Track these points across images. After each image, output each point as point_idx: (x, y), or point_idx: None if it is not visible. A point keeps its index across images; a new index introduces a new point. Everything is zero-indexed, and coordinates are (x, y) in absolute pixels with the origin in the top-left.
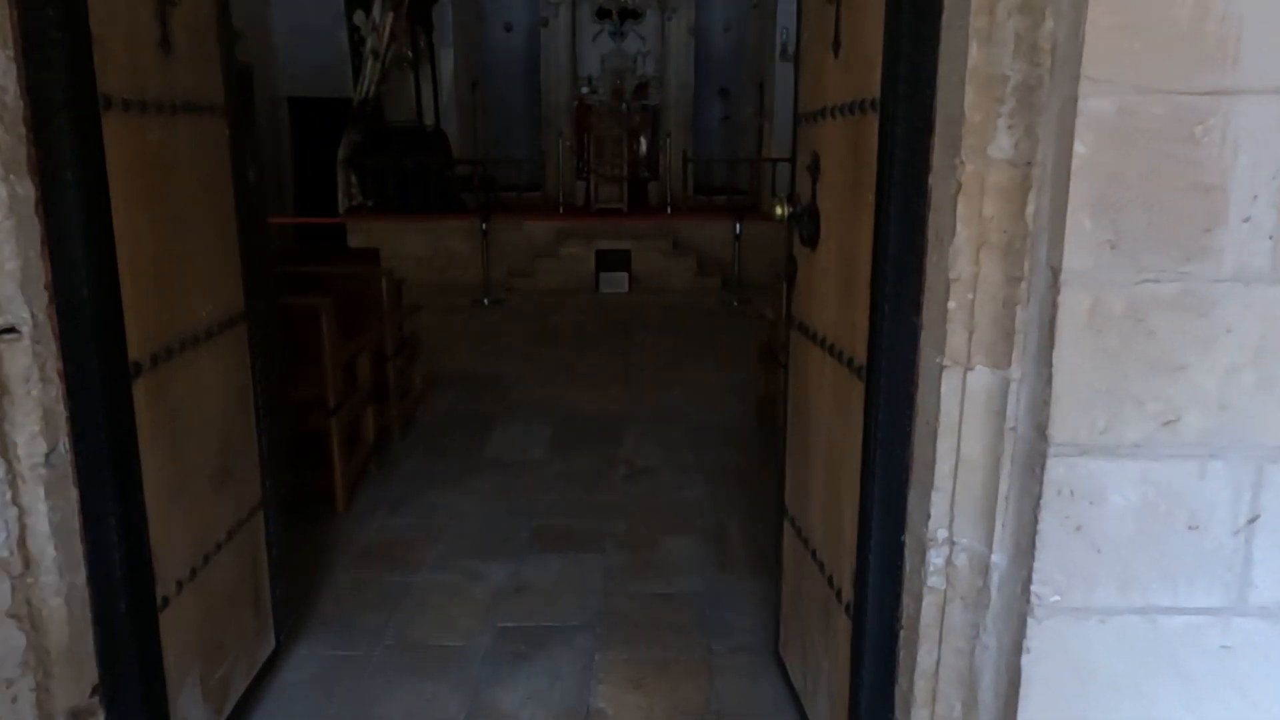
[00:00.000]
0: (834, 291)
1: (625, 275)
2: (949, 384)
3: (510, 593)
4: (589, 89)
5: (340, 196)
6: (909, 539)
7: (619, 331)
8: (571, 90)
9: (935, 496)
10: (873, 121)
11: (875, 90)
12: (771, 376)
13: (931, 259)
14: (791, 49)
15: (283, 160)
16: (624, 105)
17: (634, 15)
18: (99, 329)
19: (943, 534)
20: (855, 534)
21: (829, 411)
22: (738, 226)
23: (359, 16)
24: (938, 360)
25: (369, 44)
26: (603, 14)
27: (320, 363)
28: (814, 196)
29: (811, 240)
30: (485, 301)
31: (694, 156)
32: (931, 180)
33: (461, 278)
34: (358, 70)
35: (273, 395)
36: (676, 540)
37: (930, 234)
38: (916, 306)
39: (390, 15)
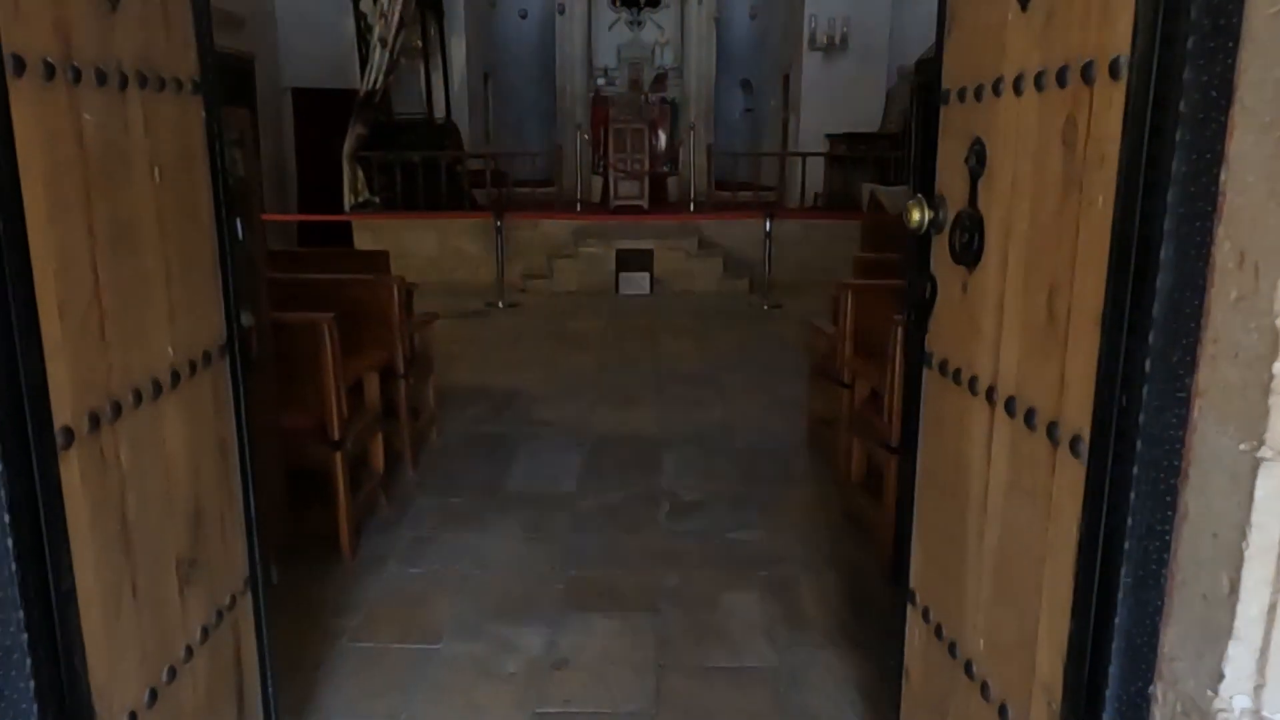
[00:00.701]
0: (1016, 328)
1: (647, 276)
2: (1268, 485)
3: (548, 669)
4: (605, 80)
5: (346, 193)
6: (1167, 696)
7: (645, 338)
8: (587, 82)
9: (1233, 649)
10: (1107, 93)
11: (1117, 47)
12: (829, 398)
13: (1222, 293)
14: (821, 38)
15: (285, 154)
16: (643, 97)
17: (652, 3)
18: (7, 384)
19: (1242, 703)
20: (1059, 669)
21: (1005, 490)
22: (768, 224)
23: (366, 3)
24: (1242, 446)
25: (376, 32)
26: (621, 2)
27: (321, 387)
28: (974, 198)
29: (970, 255)
30: (499, 305)
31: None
32: (1225, 176)
33: (473, 279)
34: (364, 60)
35: (265, 444)
36: (738, 597)
37: (1219, 255)
38: (1190, 362)
39: (399, 2)
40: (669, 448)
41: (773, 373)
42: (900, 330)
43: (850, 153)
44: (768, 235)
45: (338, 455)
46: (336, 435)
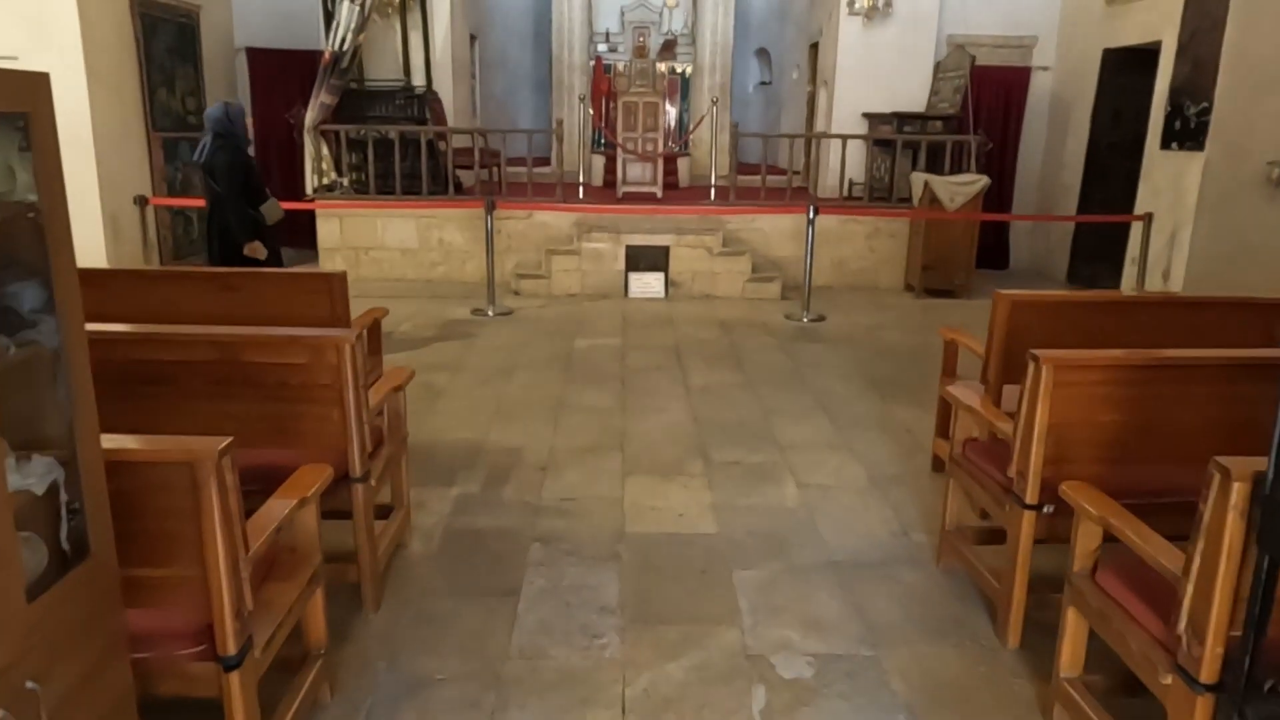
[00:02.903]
0: None
1: (661, 277)
2: None
3: None
4: (607, 46)
5: (308, 174)
6: None
7: (671, 365)
8: (587, 47)
9: None
10: None
11: None
12: (984, 508)
13: None
14: (862, 1)
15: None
16: (653, 66)
17: None
18: None
19: None
20: None
21: None
22: (811, 213)
23: None
24: None
25: None
26: None
27: (204, 569)
28: None
29: None
30: (489, 313)
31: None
32: None
33: (458, 275)
34: (330, 16)
35: (104, 671)
36: None
37: None
38: None
39: None
40: (739, 560)
41: (843, 423)
42: (1237, 489)
43: (899, 135)
44: (810, 225)
45: (235, 679)
46: (232, 647)
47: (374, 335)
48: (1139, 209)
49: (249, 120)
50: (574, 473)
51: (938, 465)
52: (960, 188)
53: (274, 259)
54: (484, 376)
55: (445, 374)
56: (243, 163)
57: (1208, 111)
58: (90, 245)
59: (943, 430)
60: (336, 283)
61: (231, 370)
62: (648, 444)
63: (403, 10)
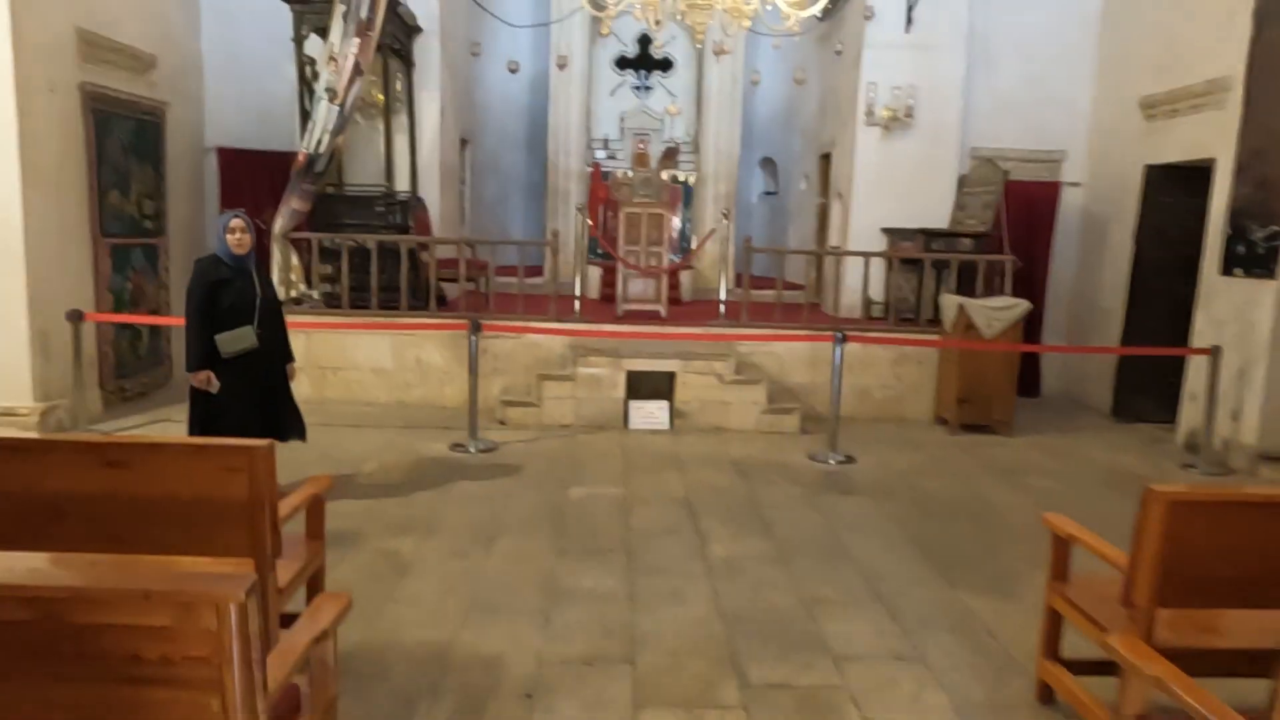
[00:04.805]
0: None
1: (666, 407)
2: None
3: None
4: (605, 153)
5: (276, 284)
6: None
7: (683, 522)
8: (584, 154)
9: None
10: None
11: None
12: None
13: None
14: (881, 111)
15: (205, 231)
16: (656, 175)
17: (664, 66)
18: None
19: None
20: None
21: None
22: (840, 335)
23: (313, 45)
24: None
25: (323, 81)
26: (624, 64)
27: None
28: None
29: None
30: (471, 449)
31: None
32: None
33: (437, 398)
34: (308, 115)
35: None
36: None
37: None
38: None
39: (356, 43)
40: None
41: (906, 618)
42: None
43: (929, 253)
44: (838, 349)
45: None
46: None
47: (314, 515)
48: (1197, 339)
49: (241, 230)
50: (570, 704)
51: (1044, 695)
52: (998, 313)
53: (265, 394)
54: (459, 543)
55: (413, 538)
56: (208, 282)
57: (1279, 235)
58: (13, 366)
59: (1050, 649)
60: (259, 458)
61: (59, 638)
62: (665, 653)
63: (387, 112)
